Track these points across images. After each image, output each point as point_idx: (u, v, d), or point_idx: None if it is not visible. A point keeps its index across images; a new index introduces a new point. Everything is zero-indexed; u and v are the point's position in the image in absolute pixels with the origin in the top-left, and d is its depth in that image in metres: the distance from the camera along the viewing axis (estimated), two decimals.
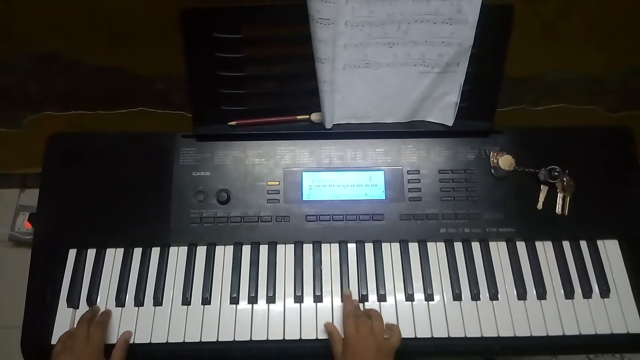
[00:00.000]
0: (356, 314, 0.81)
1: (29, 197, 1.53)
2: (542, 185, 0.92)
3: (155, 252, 0.90)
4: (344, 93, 0.88)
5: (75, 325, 0.83)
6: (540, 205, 0.91)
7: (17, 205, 1.50)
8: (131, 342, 0.84)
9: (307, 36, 0.80)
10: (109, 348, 0.81)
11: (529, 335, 0.84)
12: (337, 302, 0.86)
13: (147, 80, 1.10)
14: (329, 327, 0.83)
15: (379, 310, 0.85)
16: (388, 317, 0.85)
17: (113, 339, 0.84)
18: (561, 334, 0.85)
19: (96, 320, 0.82)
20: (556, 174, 0.91)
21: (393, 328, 0.82)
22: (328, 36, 0.79)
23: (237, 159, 0.93)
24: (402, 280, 0.88)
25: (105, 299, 0.87)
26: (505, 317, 0.85)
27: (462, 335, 0.84)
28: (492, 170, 0.92)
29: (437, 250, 0.90)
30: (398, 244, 0.90)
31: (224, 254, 0.90)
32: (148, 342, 0.84)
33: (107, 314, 0.85)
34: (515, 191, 0.92)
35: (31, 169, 1.38)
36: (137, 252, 0.90)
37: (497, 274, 0.88)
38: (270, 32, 0.84)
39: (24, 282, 0.87)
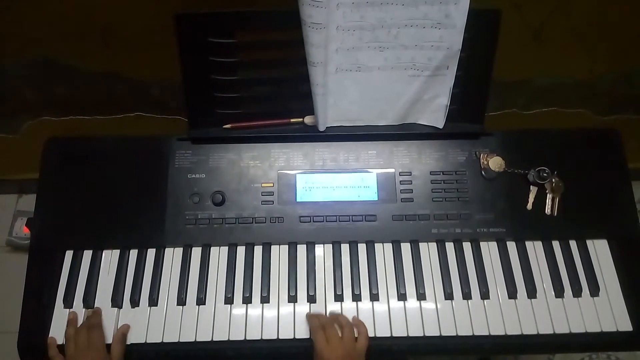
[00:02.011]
0: (325, 324, 0.82)
1: (27, 203, 1.54)
2: (531, 186, 0.93)
3: (151, 253, 0.91)
4: (337, 96, 0.90)
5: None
6: (529, 206, 0.92)
7: (15, 210, 1.51)
8: (127, 342, 0.84)
9: (299, 40, 0.81)
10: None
11: (519, 333, 0.85)
12: (331, 302, 0.87)
13: (143, 86, 1.12)
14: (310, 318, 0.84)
15: (371, 308, 0.87)
16: (380, 317, 0.86)
17: (111, 339, 0.84)
18: (551, 332, 0.86)
19: (90, 324, 0.84)
20: (545, 175, 0.92)
21: (360, 330, 0.83)
22: (320, 40, 0.81)
23: (231, 161, 0.94)
24: (394, 279, 0.89)
25: (101, 299, 0.88)
26: (496, 315, 0.86)
27: (454, 334, 0.85)
28: (483, 172, 0.94)
29: (429, 250, 0.91)
30: (390, 244, 0.92)
31: (218, 254, 0.91)
32: (143, 342, 0.84)
33: (97, 313, 0.86)
34: (505, 192, 0.93)
35: (29, 175, 1.39)
36: (133, 253, 0.91)
37: (488, 273, 0.90)
38: (263, 37, 0.86)
39: (22, 287, 0.88)
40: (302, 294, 0.88)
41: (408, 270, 0.90)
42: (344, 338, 0.81)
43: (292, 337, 0.85)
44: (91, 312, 0.86)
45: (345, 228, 0.91)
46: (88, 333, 0.82)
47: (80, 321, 0.86)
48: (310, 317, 0.85)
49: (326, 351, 0.79)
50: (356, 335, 0.83)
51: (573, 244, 0.93)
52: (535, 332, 0.86)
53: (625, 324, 0.87)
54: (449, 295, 0.88)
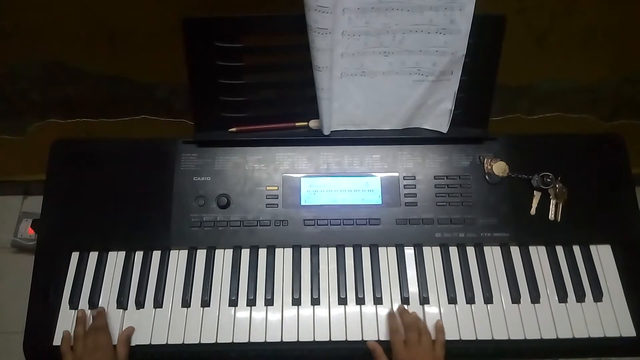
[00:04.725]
0: (406, 327, 0.83)
1: (32, 204, 1.54)
2: (535, 191, 0.93)
3: (156, 255, 0.92)
4: (342, 100, 0.91)
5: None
6: (533, 211, 0.93)
7: (20, 211, 1.51)
8: (132, 344, 0.85)
9: (305, 45, 0.82)
10: None
11: (522, 338, 0.86)
12: (334, 305, 0.88)
13: (149, 88, 1.12)
14: (371, 345, 0.83)
15: (375, 312, 0.87)
16: (384, 320, 0.86)
17: (115, 340, 0.85)
18: (555, 337, 0.86)
19: (96, 327, 0.84)
20: (549, 180, 0.92)
21: (438, 337, 0.83)
22: (326, 45, 0.81)
23: (237, 165, 0.95)
24: (398, 283, 0.89)
25: (107, 301, 0.88)
26: (499, 320, 0.87)
27: (457, 338, 0.85)
28: (486, 176, 0.94)
29: (432, 255, 0.92)
30: (394, 248, 0.92)
31: (223, 257, 0.91)
32: (148, 343, 0.85)
33: (101, 315, 0.86)
34: (508, 197, 0.93)
35: (34, 176, 1.40)
36: (139, 255, 0.92)
37: (491, 277, 0.90)
38: (270, 41, 0.86)
39: (26, 288, 0.89)
40: (306, 297, 0.88)
41: (411, 274, 0.90)
42: (422, 344, 0.81)
43: (295, 339, 0.85)
44: (95, 313, 0.87)
45: (349, 232, 0.91)
46: (95, 334, 0.83)
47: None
48: (390, 317, 0.85)
49: (404, 354, 0.80)
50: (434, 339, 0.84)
51: (576, 249, 0.93)
52: (539, 337, 0.86)
53: (628, 330, 0.87)
54: (452, 300, 0.88)
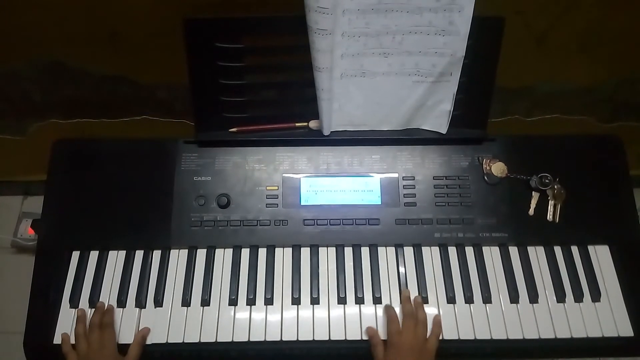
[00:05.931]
0: (405, 314, 0.84)
1: (32, 204, 1.54)
2: (533, 192, 0.94)
3: (157, 254, 0.92)
4: (341, 101, 0.91)
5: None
6: (531, 212, 0.93)
7: (20, 212, 1.51)
8: (131, 342, 0.85)
9: (305, 46, 0.83)
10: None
11: (521, 338, 0.86)
12: (334, 304, 0.88)
13: (149, 88, 1.12)
14: (370, 331, 0.84)
15: (374, 312, 0.87)
16: (383, 320, 0.86)
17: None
18: (553, 337, 0.86)
19: (104, 323, 0.84)
20: (547, 181, 0.93)
21: (434, 330, 0.84)
22: (326, 46, 0.82)
23: (237, 165, 0.95)
24: (397, 283, 0.90)
25: (107, 300, 0.89)
26: (498, 320, 0.87)
27: (456, 338, 0.86)
28: (485, 177, 0.95)
29: (431, 254, 0.92)
30: (393, 248, 0.92)
31: (223, 256, 0.92)
32: (149, 342, 0.85)
33: (110, 312, 0.86)
34: (507, 197, 0.94)
35: (35, 176, 1.40)
36: (139, 254, 0.92)
37: (490, 277, 0.90)
38: (270, 42, 0.87)
39: (26, 288, 0.89)
40: (305, 296, 0.88)
41: (411, 274, 0.90)
42: (417, 333, 0.82)
43: (295, 339, 0.85)
44: (104, 309, 0.86)
45: (348, 231, 0.92)
46: (101, 332, 0.83)
47: (88, 316, 0.87)
48: (387, 308, 0.86)
49: (396, 339, 0.82)
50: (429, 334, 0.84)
51: (575, 249, 0.94)
52: (537, 337, 0.86)
53: (626, 329, 0.87)
54: (451, 299, 0.88)
